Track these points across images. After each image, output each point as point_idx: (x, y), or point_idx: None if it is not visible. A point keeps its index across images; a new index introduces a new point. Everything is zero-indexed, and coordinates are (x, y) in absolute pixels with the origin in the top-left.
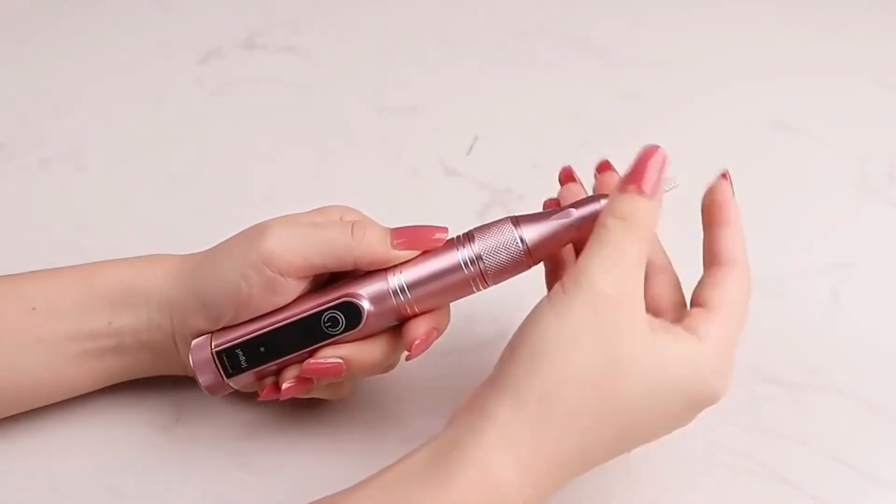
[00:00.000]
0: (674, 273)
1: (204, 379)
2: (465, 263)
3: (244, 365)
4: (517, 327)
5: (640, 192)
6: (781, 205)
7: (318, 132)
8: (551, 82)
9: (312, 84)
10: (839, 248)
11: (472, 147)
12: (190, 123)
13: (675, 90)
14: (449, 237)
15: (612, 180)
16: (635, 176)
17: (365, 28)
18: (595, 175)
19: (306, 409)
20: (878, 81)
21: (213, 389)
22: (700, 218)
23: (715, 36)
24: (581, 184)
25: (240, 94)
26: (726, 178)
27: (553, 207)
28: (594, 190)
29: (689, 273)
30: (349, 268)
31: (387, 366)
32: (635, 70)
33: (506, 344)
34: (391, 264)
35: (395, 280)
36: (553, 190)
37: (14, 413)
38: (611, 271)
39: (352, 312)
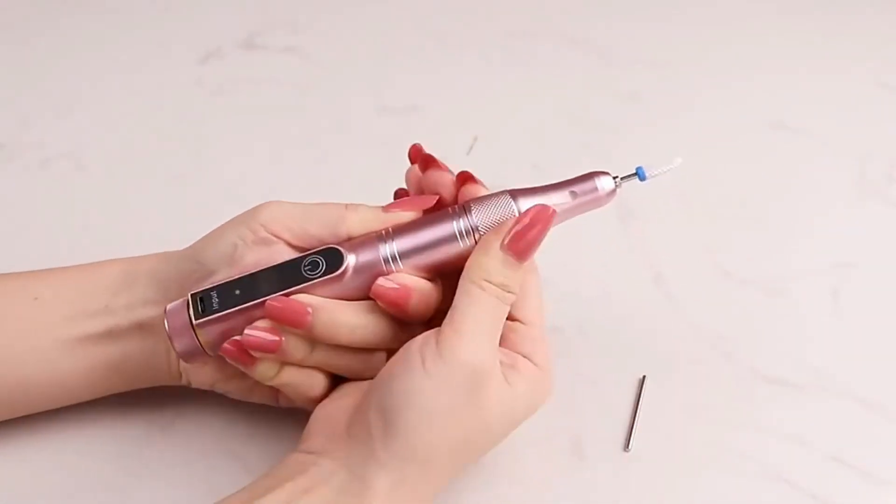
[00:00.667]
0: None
1: (178, 342)
2: (461, 234)
3: (216, 307)
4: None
5: (518, 259)
6: (781, 205)
7: (318, 132)
8: (551, 82)
9: (312, 84)
10: (839, 248)
11: (472, 147)
12: (190, 123)
13: (675, 90)
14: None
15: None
16: (517, 243)
17: (364, 28)
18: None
19: (306, 414)
20: (877, 81)
21: (187, 355)
22: (697, 215)
23: (715, 36)
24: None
25: (240, 94)
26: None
27: (403, 196)
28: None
29: (693, 270)
30: (343, 237)
31: (361, 345)
32: (635, 70)
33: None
34: (381, 228)
35: (387, 248)
36: None
37: (16, 410)
38: (487, 342)
39: (334, 258)
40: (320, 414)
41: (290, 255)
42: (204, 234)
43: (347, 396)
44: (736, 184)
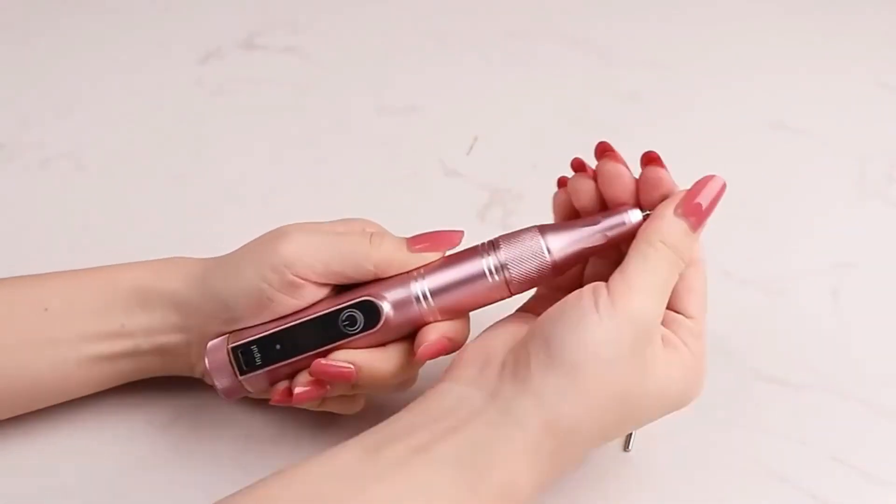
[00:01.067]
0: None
1: (220, 381)
2: (490, 271)
3: (258, 362)
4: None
5: (693, 227)
6: (781, 205)
7: (318, 132)
8: (551, 82)
9: (312, 84)
10: (839, 248)
11: (471, 147)
12: (190, 123)
13: (675, 90)
14: (474, 243)
15: (621, 174)
16: (694, 208)
17: (364, 28)
18: (597, 156)
19: (306, 414)
20: (877, 82)
21: (228, 392)
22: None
23: (714, 36)
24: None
25: (240, 94)
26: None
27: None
28: (601, 179)
29: None
30: (369, 277)
31: (401, 380)
32: (635, 70)
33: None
34: (411, 268)
35: (418, 286)
36: (553, 189)
37: (19, 414)
38: (656, 300)
39: (371, 312)
40: (475, 345)
41: (317, 294)
42: (205, 240)
43: (506, 332)
44: (736, 184)
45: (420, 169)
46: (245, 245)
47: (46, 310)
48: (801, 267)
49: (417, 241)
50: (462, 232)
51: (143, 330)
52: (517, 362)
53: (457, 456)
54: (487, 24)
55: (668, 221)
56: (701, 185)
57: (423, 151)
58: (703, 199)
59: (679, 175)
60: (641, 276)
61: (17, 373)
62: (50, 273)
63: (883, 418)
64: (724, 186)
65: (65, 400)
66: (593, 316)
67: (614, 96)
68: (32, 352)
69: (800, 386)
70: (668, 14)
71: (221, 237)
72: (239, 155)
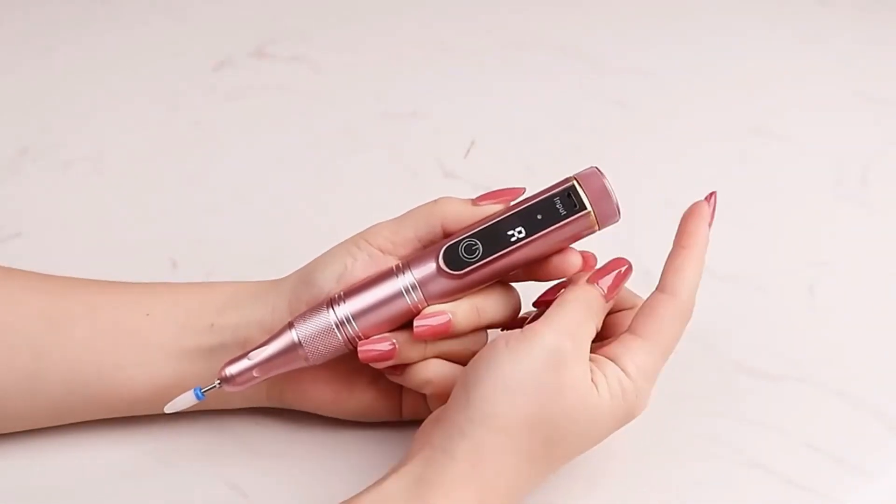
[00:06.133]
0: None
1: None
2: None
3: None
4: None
5: (605, 297)
6: (762, 206)
7: (324, 136)
8: (544, 90)
9: (318, 90)
10: (816, 248)
11: (469, 150)
12: (204, 128)
13: (661, 97)
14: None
15: None
16: (606, 283)
17: (368, 39)
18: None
19: (302, 427)
20: (853, 90)
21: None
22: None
23: (698, 47)
24: None
25: (250, 101)
26: (707, 202)
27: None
28: None
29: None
30: (438, 233)
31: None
32: (623, 78)
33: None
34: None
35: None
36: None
37: (107, 417)
38: (570, 329)
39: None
40: (422, 424)
41: (395, 262)
42: (216, 238)
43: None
44: (718, 186)
45: (420, 170)
46: None
47: (148, 315)
48: (780, 264)
49: (481, 198)
50: (524, 188)
51: (230, 327)
52: (446, 413)
53: (404, 487)
54: (484, 36)
55: (581, 287)
56: (612, 265)
57: (423, 154)
58: (615, 277)
59: (666, 178)
60: (554, 317)
61: (117, 374)
62: (150, 283)
63: (853, 407)
64: (626, 264)
65: (155, 403)
66: (501, 351)
67: (604, 103)
68: (132, 353)
69: (776, 377)
70: (655, 25)
71: (231, 233)
72: (249, 157)
